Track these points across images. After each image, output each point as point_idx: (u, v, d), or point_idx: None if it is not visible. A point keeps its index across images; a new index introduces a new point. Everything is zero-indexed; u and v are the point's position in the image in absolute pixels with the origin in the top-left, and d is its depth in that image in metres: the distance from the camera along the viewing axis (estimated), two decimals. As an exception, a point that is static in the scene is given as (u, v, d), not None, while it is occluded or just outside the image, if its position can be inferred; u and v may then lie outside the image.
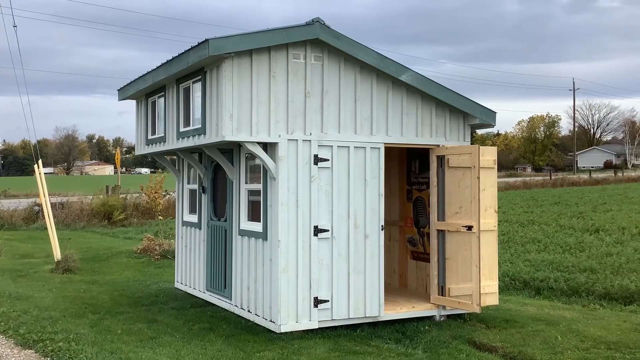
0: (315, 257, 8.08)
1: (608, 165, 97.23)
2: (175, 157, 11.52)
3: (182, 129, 9.03)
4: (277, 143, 7.91)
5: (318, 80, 8.18)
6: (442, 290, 8.88)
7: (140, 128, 10.96)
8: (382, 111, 8.62)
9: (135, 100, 11.16)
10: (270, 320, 8.03)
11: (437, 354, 7.33)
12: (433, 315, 8.94)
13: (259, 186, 8.40)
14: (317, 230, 8.10)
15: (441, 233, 8.95)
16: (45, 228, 22.89)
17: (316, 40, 8.04)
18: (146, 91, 10.31)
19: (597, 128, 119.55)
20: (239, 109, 7.71)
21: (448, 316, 9.03)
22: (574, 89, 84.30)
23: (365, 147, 8.44)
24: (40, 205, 25.95)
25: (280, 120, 7.95)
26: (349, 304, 8.27)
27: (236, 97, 7.69)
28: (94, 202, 26.72)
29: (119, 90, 11.08)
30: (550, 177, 54.46)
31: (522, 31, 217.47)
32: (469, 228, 8.42)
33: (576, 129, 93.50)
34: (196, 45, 7.71)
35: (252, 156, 8.55)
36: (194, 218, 10.50)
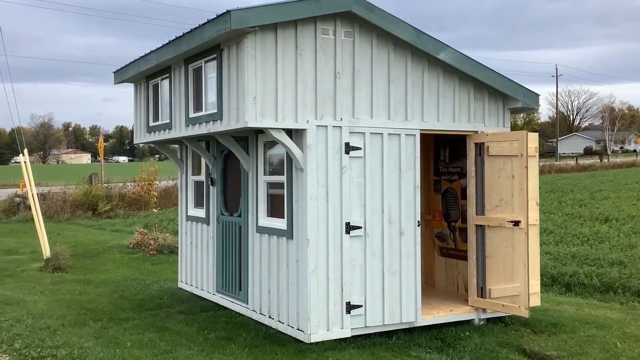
0: (347, 257, 7.21)
1: (588, 152, 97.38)
2: (177, 146, 10.53)
3: (192, 115, 8.07)
4: (305, 130, 7.00)
5: (349, 58, 7.27)
6: (481, 292, 8.09)
7: (140, 114, 9.94)
8: (418, 94, 7.75)
9: (133, 84, 10.15)
10: (298, 329, 7.15)
11: (490, 365, 6.55)
12: (472, 319, 8.13)
13: (281, 178, 7.50)
14: (348, 227, 7.23)
15: (480, 228, 8.13)
16: (28, 220, 21.79)
17: (347, 14, 7.13)
18: (147, 73, 9.31)
19: (577, 114, 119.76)
20: (263, 92, 6.78)
21: (488, 319, 8.23)
22: (556, 76, 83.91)
23: (399, 134, 7.57)
24: (20, 196, 24.74)
25: (309, 104, 7.03)
26: (383, 308, 7.42)
27: (260, 78, 6.76)
28: (75, 191, 25.55)
29: (115, 72, 10.04)
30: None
31: (500, 18, 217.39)
32: (516, 223, 7.60)
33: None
34: (214, 18, 6.74)
35: (271, 144, 7.65)
36: (200, 212, 9.55)
